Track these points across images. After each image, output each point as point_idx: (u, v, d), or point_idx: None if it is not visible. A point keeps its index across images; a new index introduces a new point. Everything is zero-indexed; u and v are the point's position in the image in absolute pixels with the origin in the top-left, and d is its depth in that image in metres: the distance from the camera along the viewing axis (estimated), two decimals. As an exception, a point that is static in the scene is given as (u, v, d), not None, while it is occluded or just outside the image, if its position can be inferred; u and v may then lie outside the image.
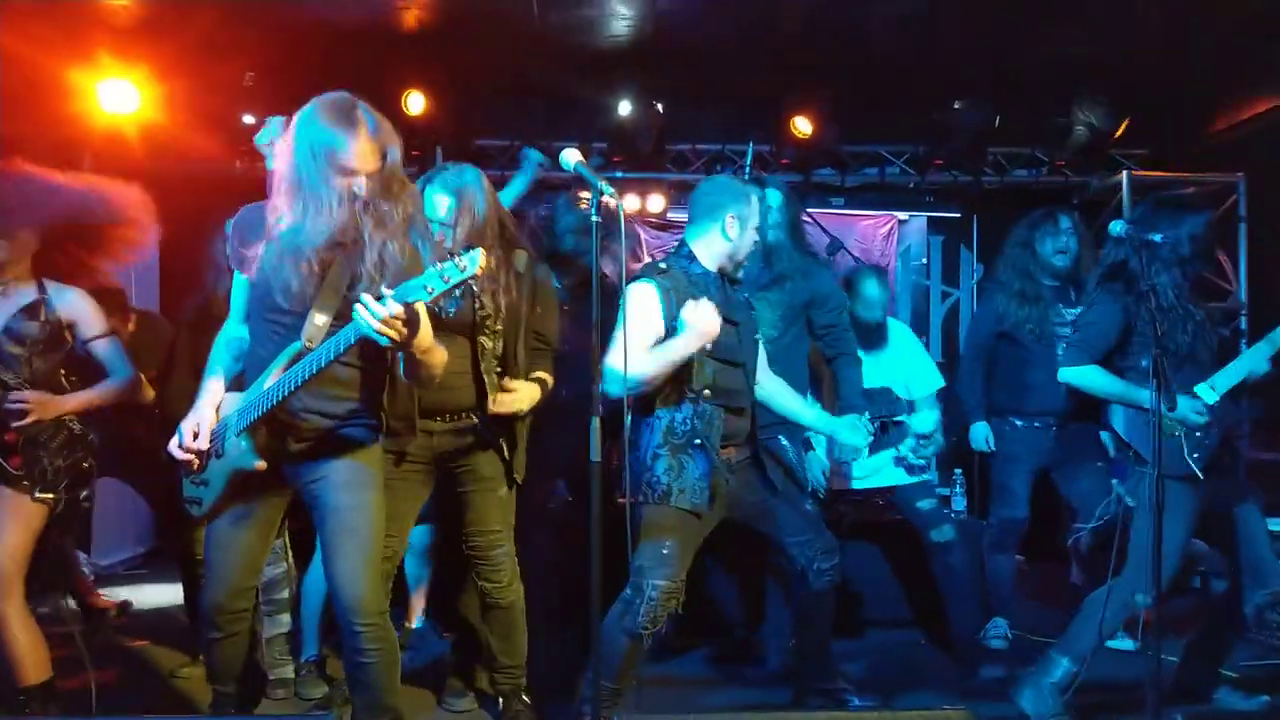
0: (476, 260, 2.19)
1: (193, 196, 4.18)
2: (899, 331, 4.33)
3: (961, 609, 3.97)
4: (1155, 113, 6.30)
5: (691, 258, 3.08)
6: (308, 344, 2.40)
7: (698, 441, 2.93)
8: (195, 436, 2.50)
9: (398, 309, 2.20)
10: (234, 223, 2.59)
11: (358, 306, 2.22)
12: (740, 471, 3.12)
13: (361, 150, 2.38)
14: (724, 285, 3.10)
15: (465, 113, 6.13)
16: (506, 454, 3.13)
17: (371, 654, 2.53)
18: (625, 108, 6.00)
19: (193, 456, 2.52)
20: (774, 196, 3.74)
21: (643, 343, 2.87)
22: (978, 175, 6.79)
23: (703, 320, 2.82)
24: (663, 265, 3.08)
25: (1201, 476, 3.07)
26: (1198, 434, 3.08)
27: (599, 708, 2.60)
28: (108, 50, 5.35)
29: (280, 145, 2.46)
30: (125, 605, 4.75)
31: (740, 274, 3.16)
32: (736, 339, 3.06)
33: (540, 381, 3.19)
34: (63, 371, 3.04)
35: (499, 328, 3.08)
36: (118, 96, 5.43)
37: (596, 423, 2.52)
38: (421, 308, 2.28)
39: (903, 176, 6.85)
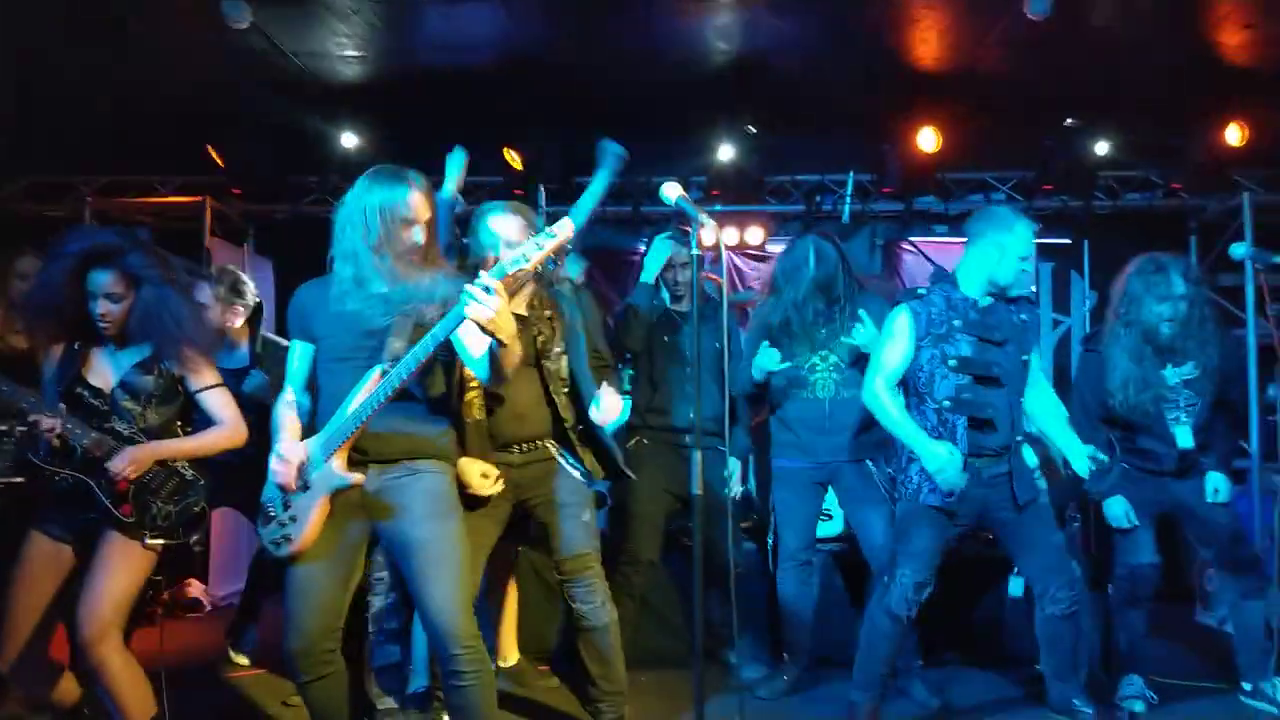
0: (567, 225, 2.39)
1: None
2: None
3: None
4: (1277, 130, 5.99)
5: (955, 283, 3.34)
6: (390, 364, 2.53)
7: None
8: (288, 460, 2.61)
9: (496, 283, 2.35)
10: (296, 299, 2.79)
11: (467, 291, 2.36)
12: (995, 486, 3.30)
13: (417, 202, 2.65)
14: (989, 308, 3.33)
15: (566, 151, 6.24)
16: (596, 470, 3.22)
17: (470, 678, 2.57)
18: (725, 144, 6.02)
19: (294, 471, 2.60)
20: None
21: (889, 364, 3.31)
22: (1088, 200, 6.56)
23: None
24: (921, 290, 3.38)
25: None
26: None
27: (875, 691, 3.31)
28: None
29: (338, 208, 2.70)
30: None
31: (1015, 293, 3.37)
32: (995, 358, 3.28)
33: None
34: (179, 423, 3.11)
35: (559, 348, 3.18)
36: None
37: (698, 456, 2.56)
38: (506, 307, 2.39)
39: (1010, 203, 6.66)
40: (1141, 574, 3.70)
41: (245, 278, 4.12)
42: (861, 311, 3.80)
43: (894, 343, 3.36)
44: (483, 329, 2.40)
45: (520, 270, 2.41)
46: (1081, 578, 3.71)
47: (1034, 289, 5.48)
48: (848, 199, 5.37)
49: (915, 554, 3.34)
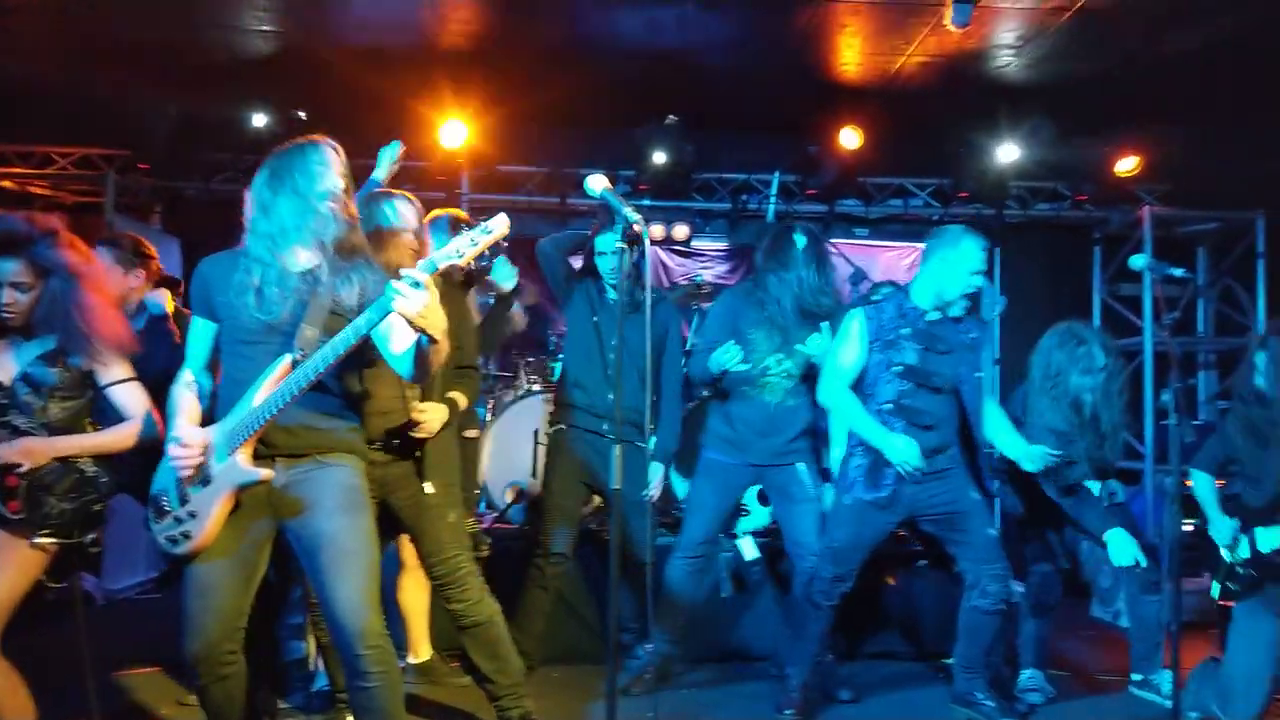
0: (503, 222, 2.32)
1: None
2: None
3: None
4: (1176, 149, 6.30)
5: (908, 294, 3.55)
6: (301, 354, 2.41)
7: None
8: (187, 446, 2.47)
9: (425, 278, 2.26)
10: (198, 274, 2.61)
11: (391, 284, 2.26)
12: (928, 484, 3.45)
13: (331, 159, 2.54)
14: (939, 321, 3.50)
15: (493, 141, 6.18)
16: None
17: (376, 678, 2.48)
18: (653, 140, 6.05)
19: (196, 458, 2.45)
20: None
21: (844, 365, 3.50)
22: (1001, 209, 6.79)
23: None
24: (876, 297, 3.57)
25: None
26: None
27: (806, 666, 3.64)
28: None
29: (255, 184, 2.55)
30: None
31: (957, 310, 3.53)
32: (938, 368, 3.46)
33: (451, 402, 3.21)
34: (87, 419, 2.93)
35: None
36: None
37: (617, 450, 2.54)
38: (435, 301, 2.31)
39: (926, 209, 6.85)
40: (1051, 579, 3.89)
41: (148, 241, 3.92)
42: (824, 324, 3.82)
43: (848, 345, 3.53)
44: (411, 324, 2.31)
45: (453, 265, 2.33)
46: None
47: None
48: (772, 198, 5.43)
49: (839, 549, 3.53)
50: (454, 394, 3.27)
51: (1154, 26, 4.97)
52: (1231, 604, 3.44)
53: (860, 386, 3.53)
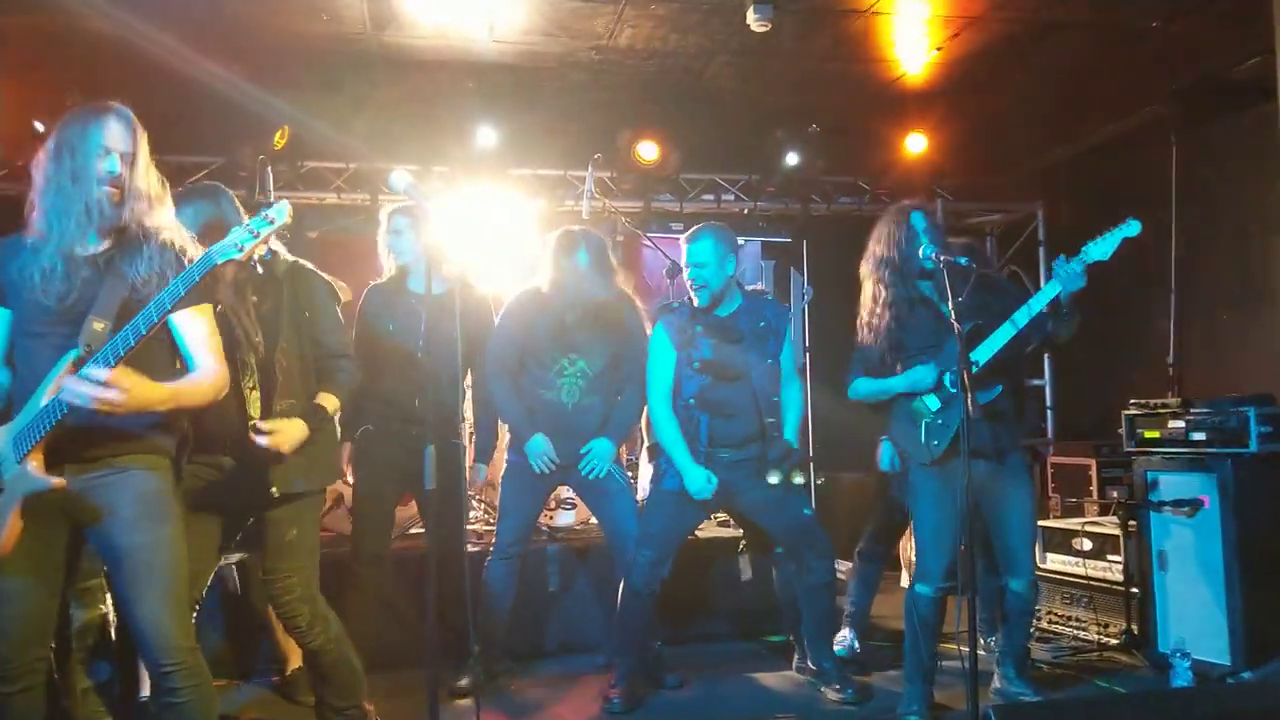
0: (284, 211, 2.27)
1: None
2: None
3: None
4: (965, 147, 6.83)
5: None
6: (86, 350, 2.28)
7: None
8: None
9: (108, 373, 2.16)
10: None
11: (67, 383, 2.17)
12: (738, 470, 3.61)
13: (113, 129, 2.39)
14: (732, 313, 3.69)
15: (300, 135, 5.96)
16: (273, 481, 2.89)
17: (185, 692, 2.40)
18: (475, 132, 6.03)
19: None
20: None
21: (660, 378, 3.71)
22: (806, 203, 7.13)
23: None
24: (675, 304, 3.78)
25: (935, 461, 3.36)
26: (939, 420, 3.36)
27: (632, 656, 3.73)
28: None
29: (37, 157, 2.41)
30: None
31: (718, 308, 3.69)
32: (733, 357, 3.62)
33: (317, 410, 2.98)
34: None
35: (258, 339, 2.90)
36: None
37: (431, 450, 2.52)
38: (127, 376, 2.20)
39: (737, 203, 7.11)
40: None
41: None
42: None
43: (655, 354, 3.73)
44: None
45: (232, 260, 2.26)
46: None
47: (759, 284, 5.90)
48: (587, 194, 5.48)
49: (654, 535, 3.67)
50: (322, 398, 3.03)
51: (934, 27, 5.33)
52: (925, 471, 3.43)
53: (675, 386, 3.70)
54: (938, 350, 3.39)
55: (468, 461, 4.18)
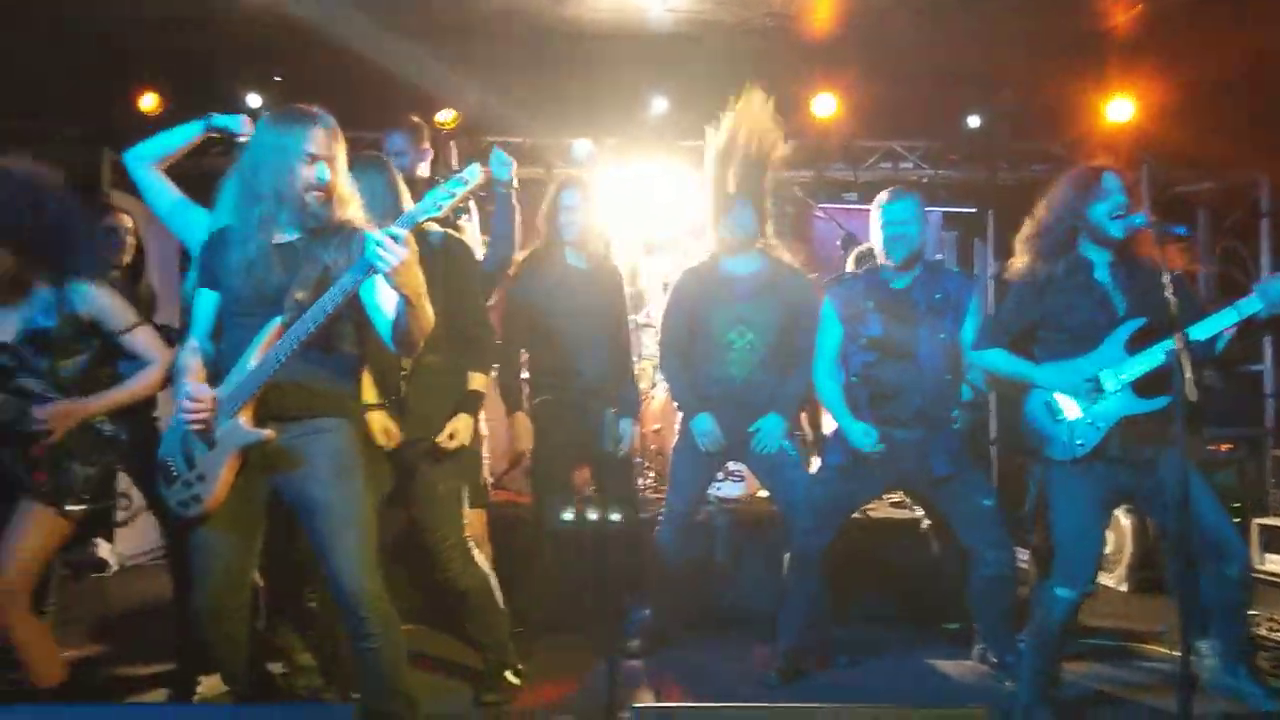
0: (477, 172, 2.36)
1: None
2: None
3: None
4: (1175, 109, 6.27)
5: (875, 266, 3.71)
6: (290, 316, 2.47)
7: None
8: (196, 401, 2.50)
9: (404, 232, 2.29)
10: (203, 246, 2.69)
11: (371, 237, 2.30)
12: (907, 453, 3.52)
13: (318, 136, 2.54)
14: (907, 287, 3.60)
15: (477, 111, 6.19)
16: None
17: (377, 639, 2.58)
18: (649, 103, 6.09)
19: (209, 410, 2.48)
20: None
21: (824, 347, 3.69)
22: (993, 171, 6.77)
23: None
24: (846, 276, 3.70)
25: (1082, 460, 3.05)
26: (1088, 419, 3.05)
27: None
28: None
29: (243, 158, 2.61)
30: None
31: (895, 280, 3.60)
32: (903, 333, 3.52)
33: (472, 395, 3.29)
34: (102, 371, 2.95)
35: None
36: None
37: (611, 413, 2.59)
38: (414, 258, 2.34)
39: (916, 171, 6.84)
40: None
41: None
42: None
43: (823, 326, 3.69)
44: (389, 282, 2.35)
45: (430, 219, 2.38)
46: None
47: (940, 256, 5.64)
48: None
49: (815, 503, 3.64)
50: (474, 382, 3.31)
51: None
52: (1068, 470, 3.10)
53: (841, 361, 3.67)
54: (1095, 340, 3.07)
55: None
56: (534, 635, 3.88)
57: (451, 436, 3.20)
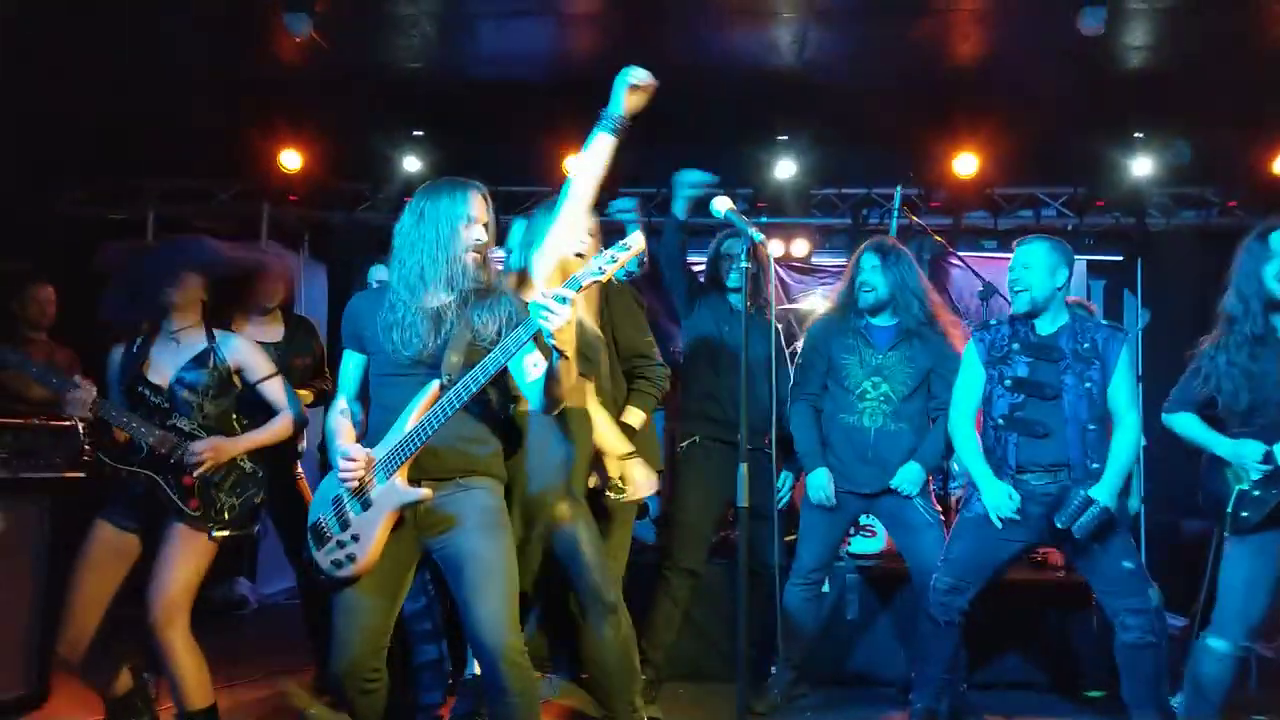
0: (640, 238, 2.43)
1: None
2: None
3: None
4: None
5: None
6: (448, 379, 2.53)
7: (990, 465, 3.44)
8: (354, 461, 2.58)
9: (572, 294, 2.36)
10: (348, 309, 2.79)
11: (536, 300, 2.36)
12: (1047, 505, 3.33)
13: (477, 202, 2.66)
14: (1054, 333, 3.45)
15: (615, 163, 6.29)
16: None
17: (515, 695, 2.54)
18: (774, 157, 6.09)
19: (363, 470, 2.55)
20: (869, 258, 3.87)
21: (963, 395, 3.55)
22: (1141, 217, 6.48)
23: None
24: (992, 321, 3.57)
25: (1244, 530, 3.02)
26: (1255, 491, 3.00)
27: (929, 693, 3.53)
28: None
29: (401, 223, 2.70)
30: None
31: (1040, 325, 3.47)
32: (1049, 376, 3.39)
33: (629, 429, 3.31)
34: (234, 415, 3.21)
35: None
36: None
37: (744, 470, 2.56)
38: (574, 319, 2.41)
39: (1060, 219, 6.60)
40: None
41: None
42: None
43: (965, 371, 3.56)
44: (549, 342, 2.40)
45: (594, 282, 2.41)
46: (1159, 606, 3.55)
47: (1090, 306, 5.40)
48: (895, 212, 5.34)
49: (953, 560, 3.48)
50: (629, 415, 3.37)
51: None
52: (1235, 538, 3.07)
53: (983, 406, 3.52)
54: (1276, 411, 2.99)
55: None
56: (660, 681, 3.84)
57: (625, 478, 3.19)
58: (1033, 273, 3.41)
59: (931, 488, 3.93)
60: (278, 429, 3.21)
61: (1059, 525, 3.28)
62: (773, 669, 3.98)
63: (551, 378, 2.53)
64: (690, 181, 3.90)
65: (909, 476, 3.71)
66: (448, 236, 2.61)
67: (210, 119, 5.78)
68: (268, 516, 3.95)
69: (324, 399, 3.58)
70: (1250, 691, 3.74)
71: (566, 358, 2.47)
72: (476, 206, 2.65)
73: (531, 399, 2.63)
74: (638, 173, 6.57)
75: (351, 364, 2.77)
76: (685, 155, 6.35)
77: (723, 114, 5.92)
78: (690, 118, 5.94)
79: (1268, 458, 2.99)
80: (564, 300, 2.34)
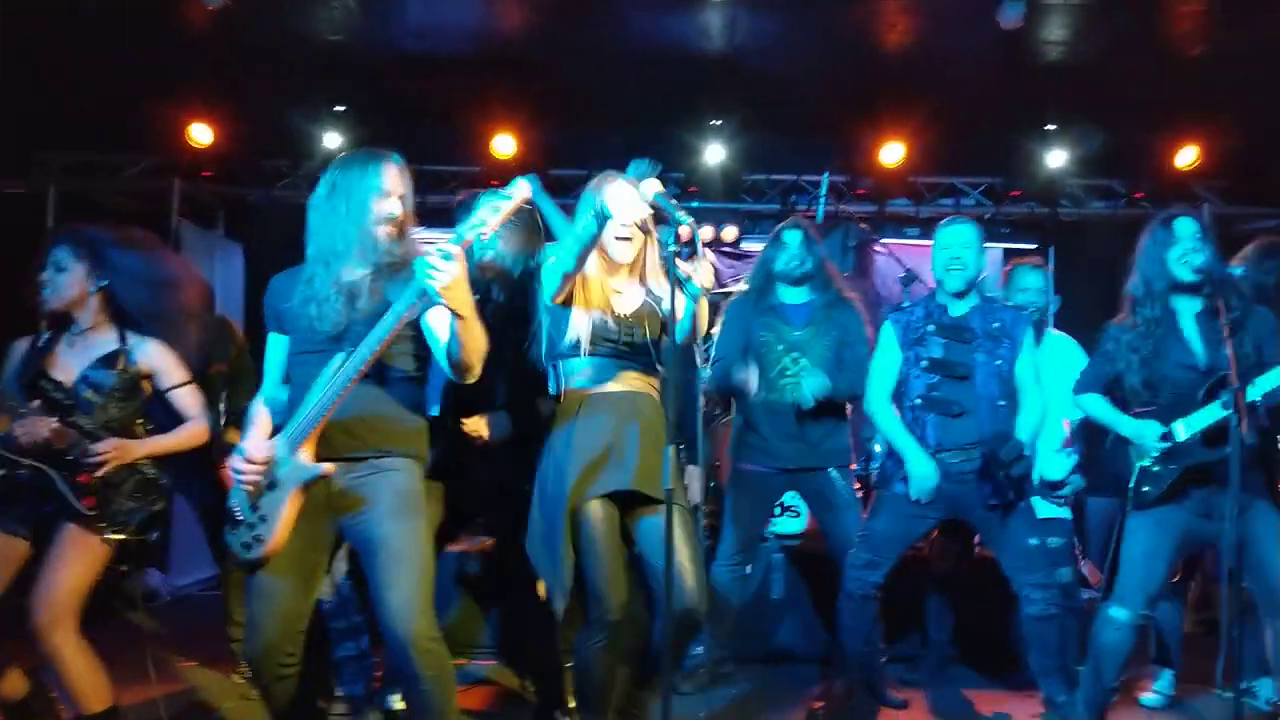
0: (522, 187, 2.39)
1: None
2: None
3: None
4: (1239, 145, 6.18)
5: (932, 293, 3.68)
6: (352, 349, 2.47)
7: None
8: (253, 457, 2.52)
9: (456, 249, 2.31)
10: (270, 288, 2.71)
11: (422, 260, 2.31)
12: (965, 483, 3.42)
13: (391, 173, 2.60)
14: (967, 314, 3.55)
15: (541, 145, 6.26)
16: None
17: (428, 681, 2.51)
18: (704, 143, 6.12)
19: (258, 471, 2.51)
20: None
21: (881, 375, 3.61)
22: (1054, 207, 6.70)
23: None
24: (905, 304, 3.64)
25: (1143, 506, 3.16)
26: (1155, 467, 3.14)
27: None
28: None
29: (313, 199, 2.63)
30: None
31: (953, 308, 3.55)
32: (964, 356, 3.48)
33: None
34: (140, 420, 3.08)
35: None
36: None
37: (671, 452, 2.54)
38: (464, 275, 2.35)
39: (978, 207, 6.80)
40: None
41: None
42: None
43: (882, 353, 3.63)
44: (439, 300, 2.34)
45: (477, 234, 2.38)
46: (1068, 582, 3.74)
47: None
48: (822, 199, 5.42)
49: (871, 536, 3.57)
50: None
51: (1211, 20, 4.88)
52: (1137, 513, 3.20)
53: (899, 387, 3.60)
54: (1178, 391, 3.13)
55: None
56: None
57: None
58: (970, 252, 3.52)
59: (854, 468, 4.01)
60: (184, 436, 3.07)
61: (991, 504, 3.38)
62: (699, 649, 4.03)
63: (452, 342, 2.47)
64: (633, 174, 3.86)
65: (810, 382, 3.70)
66: (359, 209, 2.55)
67: (116, 88, 5.52)
68: (194, 509, 3.84)
69: None
70: (1149, 659, 3.94)
71: (463, 318, 2.40)
72: (389, 178, 2.58)
73: (441, 365, 2.57)
74: (566, 154, 6.56)
75: (274, 346, 2.70)
76: (615, 138, 6.41)
77: (653, 98, 5.92)
78: (621, 101, 5.96)
79: (1166, 435, 3.12)
80: (448, 256, 2.29)
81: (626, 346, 2.84)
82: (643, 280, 2.95)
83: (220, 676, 4.00)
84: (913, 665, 4.24)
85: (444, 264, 2.28)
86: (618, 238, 2.87)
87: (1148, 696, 3.91)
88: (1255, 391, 2.98)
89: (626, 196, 2.68)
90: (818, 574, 4.49)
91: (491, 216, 2.36)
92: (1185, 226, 3.20)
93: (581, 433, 2.79)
